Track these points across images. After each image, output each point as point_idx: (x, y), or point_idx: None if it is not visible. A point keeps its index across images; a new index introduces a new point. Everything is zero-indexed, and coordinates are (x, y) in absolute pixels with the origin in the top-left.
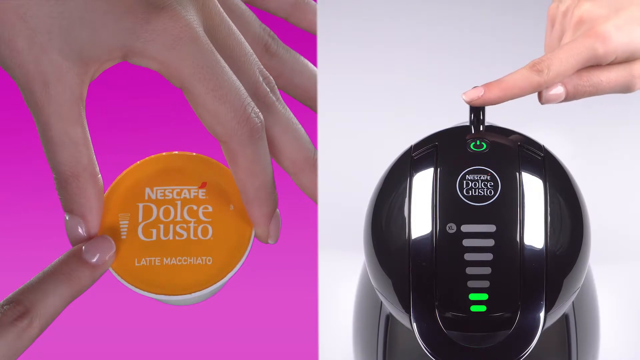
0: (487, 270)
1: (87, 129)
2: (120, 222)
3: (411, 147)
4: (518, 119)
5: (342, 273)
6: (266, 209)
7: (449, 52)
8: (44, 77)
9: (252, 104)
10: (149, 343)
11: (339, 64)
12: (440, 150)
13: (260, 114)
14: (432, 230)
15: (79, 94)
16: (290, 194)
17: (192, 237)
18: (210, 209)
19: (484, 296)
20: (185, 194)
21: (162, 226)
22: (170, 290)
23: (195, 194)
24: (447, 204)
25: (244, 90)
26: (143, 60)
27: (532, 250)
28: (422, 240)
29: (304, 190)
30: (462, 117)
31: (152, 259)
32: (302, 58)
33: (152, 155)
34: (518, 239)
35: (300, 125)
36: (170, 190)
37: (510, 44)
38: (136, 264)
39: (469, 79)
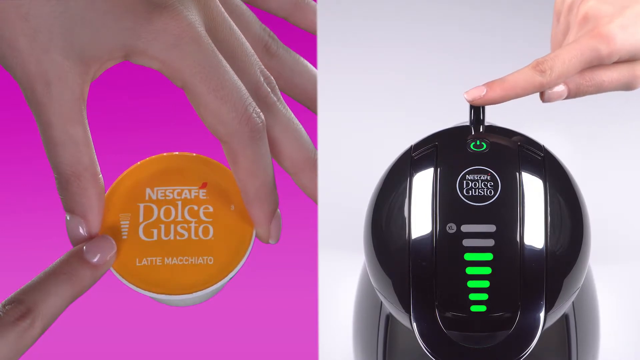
0: (487, 270)
1: (88, 128)
2: (121, 222)
3: (411, 147)
4: (518, 119)
5: (342, 273)
6: (267, 209)
7: (449, 52)
8: (45, 77)
9: (254, 104)
10: (150, 343)
11: (339, 64)
12: (440, 150)
13: (261, 114)
14: (432, 230)
15: (80, 94)
16: (291, 194)
17: (193, 237)
18: (211, 209)
19: (484, 296)
20: (186, 194)
21: (163, 226)
22: (171, 290)
23: (196, 194)
24: (447, 204)
25: (246, 91)
26: (145, 59)
27: (532, 250)
28: (422, 240)
29: (304, 190)
30: (462, 117)
31: (153, 258)
32: (302, 59)
33: (153, 156)
34: (518, 239)
35: (300, 126)
36: (171, 191)
37: (511, 44)
38: (137, 264)
39: (469, 79)
